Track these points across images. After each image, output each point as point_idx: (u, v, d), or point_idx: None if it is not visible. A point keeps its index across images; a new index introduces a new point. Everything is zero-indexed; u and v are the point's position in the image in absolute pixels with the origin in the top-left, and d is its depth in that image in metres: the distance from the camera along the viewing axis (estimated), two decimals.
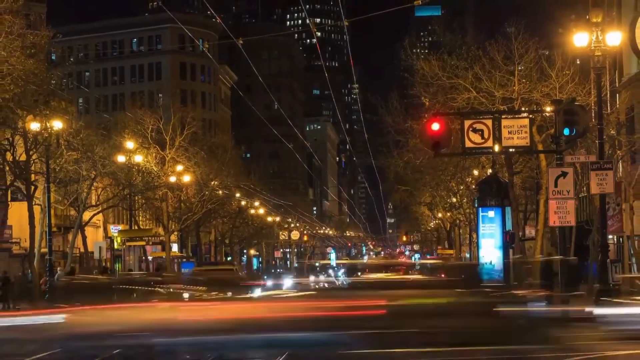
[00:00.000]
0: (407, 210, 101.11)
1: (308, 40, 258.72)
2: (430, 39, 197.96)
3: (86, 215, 56.29)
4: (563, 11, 53.47)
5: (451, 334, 18.51)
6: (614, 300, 31.62)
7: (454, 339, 18.52)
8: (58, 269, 49.83)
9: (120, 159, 53.96)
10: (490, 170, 48.21)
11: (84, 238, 57.92)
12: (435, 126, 29.95)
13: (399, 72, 45.91)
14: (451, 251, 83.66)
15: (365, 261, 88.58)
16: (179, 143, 61.52)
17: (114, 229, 64.65)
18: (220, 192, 70.39)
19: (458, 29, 44.28)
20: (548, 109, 34.29)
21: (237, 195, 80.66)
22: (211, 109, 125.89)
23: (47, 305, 33.68)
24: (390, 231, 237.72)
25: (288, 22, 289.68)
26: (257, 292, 27.46)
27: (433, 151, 32.60)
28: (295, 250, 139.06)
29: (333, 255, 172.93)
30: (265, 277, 56.01)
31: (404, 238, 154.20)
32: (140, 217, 70.99)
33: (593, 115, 38.48)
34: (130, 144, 55.37)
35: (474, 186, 53.36)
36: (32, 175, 47.96)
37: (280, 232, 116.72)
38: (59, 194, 53.94)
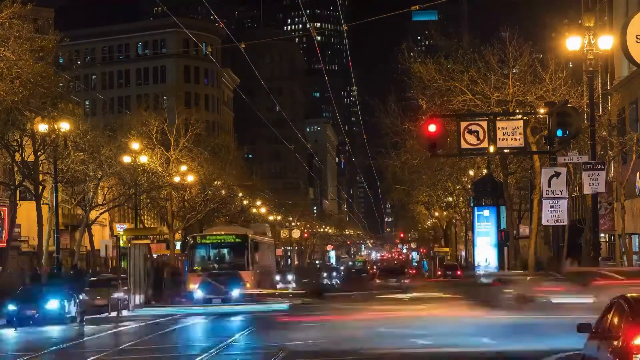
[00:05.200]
0: (405, 209, 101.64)
1: (308, 44, 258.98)
2: (427, 43, 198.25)
3: (93, 214, 56.86)
4: (556, 16, 54.03)
5: None
6: None
7: None
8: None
9: (126, 159, 54.59)
10: (485, 171, 48.88)
11: (91, 236, 58.69)
12: (432, 127, 30.78)
13: (396, 75, 46.32)
14: (448, 249, 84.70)
15: None
16: (183, 144, 62.12)
17: (119, 228, 65.26)
18: (223, 191, 71.12)
19: (454, 34, 45.02)
20: (542, 111, 34.63)
21: (240, 194, 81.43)
22: (214, 111, 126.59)
23: None
24: (388, 229, 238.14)
25: (289, 27, 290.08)
26: None
27: (430, 152, 33.40)
28: (296, 248, 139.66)
29: (333, 253, 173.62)
30: None
31: (402, 236, 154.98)
32: (145, 216, 71.62)
33: (585, 117, 39.32)
34: (135, 145, 55.89)
35: (469, 186, 54.08)
36: (40, 176, 48.66)
37: (282, 231, 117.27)
38: (66, 193, 54.69)
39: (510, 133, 32.31)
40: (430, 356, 20.02)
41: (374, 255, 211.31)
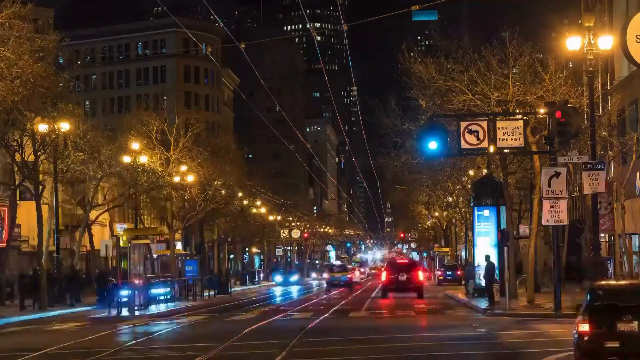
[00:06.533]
0: (405, 209, 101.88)
1: (308, 44, 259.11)
2: (427, 43, 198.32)
3: (93, 214, 56.90)
4: (556, 16, 54.13)
5: None
6: None
7: None
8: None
9: (126, 159, 54.73)
10: (485, 171, 48.82)
11: (91, 236, 58.83)
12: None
13: (396, 75, 46.45)
14: (448, 249, 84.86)
15: None
16: (183, 144, 62.01)
17: (119, 228, 65.39)
18: (223, 191, 71.11)
19: (454, 34, 45.02)
20: (542, 111, 34.67)
21: (240, 194, 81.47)
22: (214, 111, 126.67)
23: None
24: (388, 229, 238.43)
25: (289, 27, 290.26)
26: None
27: (430, 159, 33.51)
28: (296, 248, 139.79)
29: (333, 253, 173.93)
30: None
31: (402, 236, 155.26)
32: (145, 216, 71.65)
33: (585, 117, 39.37)
34: (135, 145, 56.00)
35: (469, 186, 54.08)
36: (40, 176, 48.61)
37: (282, 231, 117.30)
38: (66, 193, 54.87)
39: (510, 133, 32.39)
40: None
41: (380, 255, 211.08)
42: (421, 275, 52.08)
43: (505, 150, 34.63)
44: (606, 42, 33.89)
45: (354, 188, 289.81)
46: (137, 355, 23.23)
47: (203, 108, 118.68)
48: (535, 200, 36.39)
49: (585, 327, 16.33)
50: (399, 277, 50.29)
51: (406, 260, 67.92)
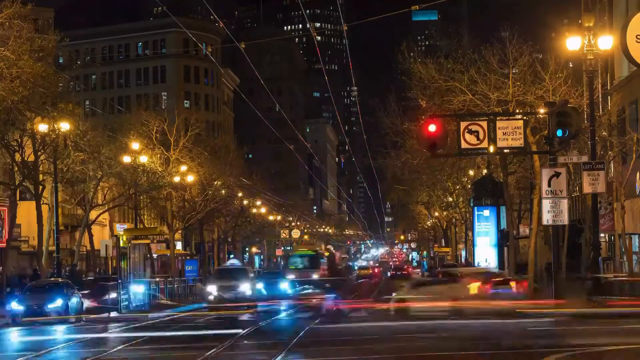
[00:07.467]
0: (405, 209, 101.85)
1: (308, 44, 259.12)
2: (427, 43, 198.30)
3: (93, 214, 56.95)
4: (556, 16, 54.13)
5: None
6: None
7: None
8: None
9: (126, 159, 54.79)
10: (485, 171, 48.88)
11: (91, 236, 58.82)
12: (432, 127, 30.82)
13: (396, 75, 46.65)
14: (448, 249, 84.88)
15: None
16: (182, 144, 62.11)
17: (119, 228, 65.30)
18: (223, 191, 71.16)
19: (454, 34, 45.04)
20: (542, 111, 34.63)
21: (240, 194, 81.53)
22: (214, 111, 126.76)
23: None
24: (388, 229, 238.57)
25: (289, 27, 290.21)
26: None
27: (430, 152, 33.43)
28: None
29: None
30: None
31: (402, 237, 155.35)
32: (145, 216, 71.66)
33: (585, 117, 39.33)
34: (135, 145, 56.05)
35: (469, 186, 54.15)
36: (40, 176, 48.69)
37: (282, 231, 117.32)
38: (66, 193, 54.81)
39: (510, 133, 32.36)
40: None
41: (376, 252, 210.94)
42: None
43: (505, 150, 34.60)
44: (606, 42, 33.89)
45: (354, 188, 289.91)
46: (136, 354, 23.20)
47: (203, 108, 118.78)
48: (535, 200, 36.38)
49: None
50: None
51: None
